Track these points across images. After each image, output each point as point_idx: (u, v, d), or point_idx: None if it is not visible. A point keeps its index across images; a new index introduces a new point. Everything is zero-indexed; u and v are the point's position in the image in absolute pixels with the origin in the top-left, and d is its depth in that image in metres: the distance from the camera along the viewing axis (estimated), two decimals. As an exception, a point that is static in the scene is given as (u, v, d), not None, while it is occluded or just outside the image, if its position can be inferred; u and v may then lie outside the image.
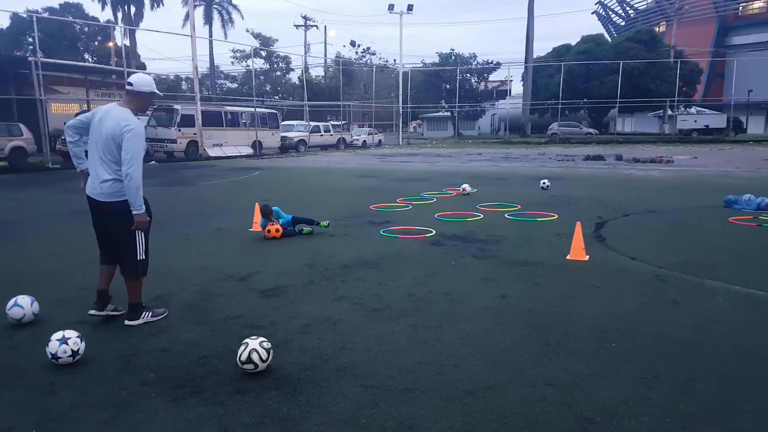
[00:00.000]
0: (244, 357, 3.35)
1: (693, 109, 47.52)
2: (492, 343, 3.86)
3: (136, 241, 4.18)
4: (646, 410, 2.94)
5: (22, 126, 21.65)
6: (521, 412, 2.94)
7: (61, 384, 3.31)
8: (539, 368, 3.46)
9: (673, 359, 3.57)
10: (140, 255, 4.21)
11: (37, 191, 13.86)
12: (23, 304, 4.27)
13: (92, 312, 4.32)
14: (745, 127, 48.08)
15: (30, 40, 39.54)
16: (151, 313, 4.32)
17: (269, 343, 3.46)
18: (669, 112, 46.13)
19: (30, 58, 21.29)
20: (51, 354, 3.49)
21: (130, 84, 4.22)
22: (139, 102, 4.26)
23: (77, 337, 3.56)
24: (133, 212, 4.05)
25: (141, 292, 4.31)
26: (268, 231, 7.56)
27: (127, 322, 4.23)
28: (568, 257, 6.24)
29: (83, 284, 5.29)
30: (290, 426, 2.83)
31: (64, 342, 3.50)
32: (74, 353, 3.52)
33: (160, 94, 4.51)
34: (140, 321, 4.24)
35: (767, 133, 50.76)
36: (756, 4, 62.82)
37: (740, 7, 64.69)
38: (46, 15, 39.77)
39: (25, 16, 34.63)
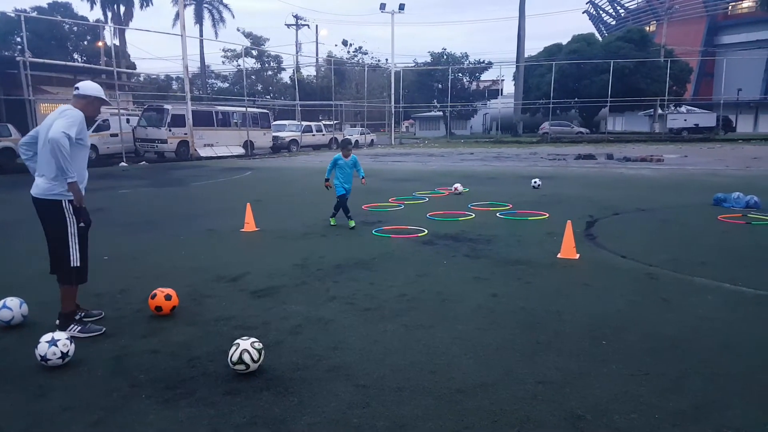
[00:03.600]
0: (235, 358, 3.34)
1: (683, 108, 47.87)
2: (483, 342, 3.87)
3: (69, 246, 4.03)
4: (636, 407, 2.96)
5: (10, 126, 21.49)
6: (512, 410, 2.95)
7: (51, 386, 3.29)
8: (530, 366, 3.47)
9: (662, 356, 3.60)
10: (74, 261, 4.05)
11: (25, 192, 13.68)
12: (12, 306, 4.24)
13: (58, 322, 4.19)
14: (734, 125, 48.46)
15: (18, 39, 39.21)
16: (80, 329, 4.08)
17: (261, 344, 3.46)
18: (659, 111, 46.41)
19: (18, 58, 21.11)
20: (40, 356, 3.47)
21: (77, 89, 4.20)
22: (84, 106, 4.15)
23: (67, 338, 3.55)
24: (68, 181, 3.88)
25: (73, 301, 4.16)
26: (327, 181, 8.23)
27: (65, 330, 4.01)
28: (558, 256, 6.26)
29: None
30: (282, 426, 2.83)
31: (54, 344, 3.47)
32: (64, 355, 3.50)
33: (108, 101, 4.46)
34: (66, 333, 3.84)
35: (756, 131, 51.15)
36: (745, 4, 63.34)
37: (730, 7, 65.19)
38: (34, 14, 39.48)
39: (13, 15, 34.32)
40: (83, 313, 4.35)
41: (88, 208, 4.18)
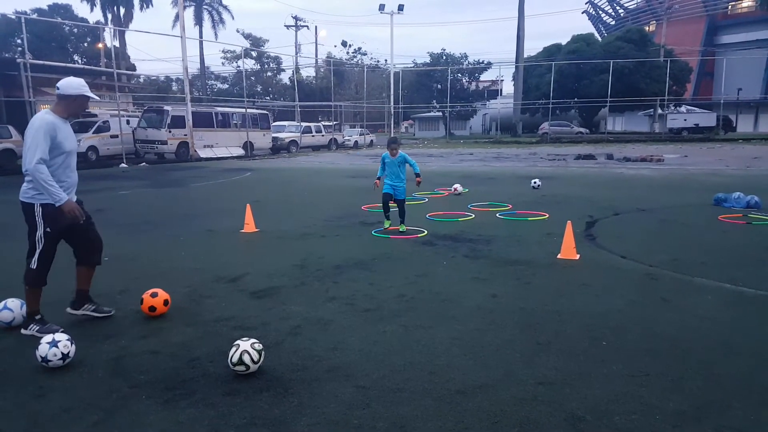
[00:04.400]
0: (235, 359, 3.34)
1: (683, 108, 47.86)
2: (483, 343, 3.87)
3: (36, 248, 4.09)
4: (637, 408, 2.95)
5: (10, 128, 21.50)
6: (512, 411, 2.94)
7: (51, 387, 3.29)
8: (530, 367, 3.47)
9: (663, 357, 3.59)
10: (33, 263, 4.11)
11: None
12: (13, 308, 4.25)
13: (68, 310, 4.40)
14: (734, 125, 48.48)
15: (18, 41, 39.24)
16: (38, 328, 4.08)
17: (260, 345, 3.45)
18: (659, 111, 46.42)
19: (18, 60, 21.12)
20: (41, 357, 3.47)
21: (58, 88, 4.13)
22: (67, 105, 4.12)
23: (67, 339, 3.55)
24: (57, 205, 3.95)
25: (35, 302, 4.17)
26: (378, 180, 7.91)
27: (21, 330, 4.15)
28: (558, 256, 6.26)
29: (72, 287, 5.24)
30: (282, 427, 2.83)
31: (54, 345, 3.47)
32: (64, 356, 3.49)
33: (94, 96, 4.37)
34: (27, 331, 4.08)
35: (757, 131, 51.15)
36: (745, 3, 63.36)
37: (729, 6, 65.20)
38: (34, 16, 39.53)
39: (13, 17, 34.34)
40: (94, 307, 4.43)
41: (88, 210, 4.19)
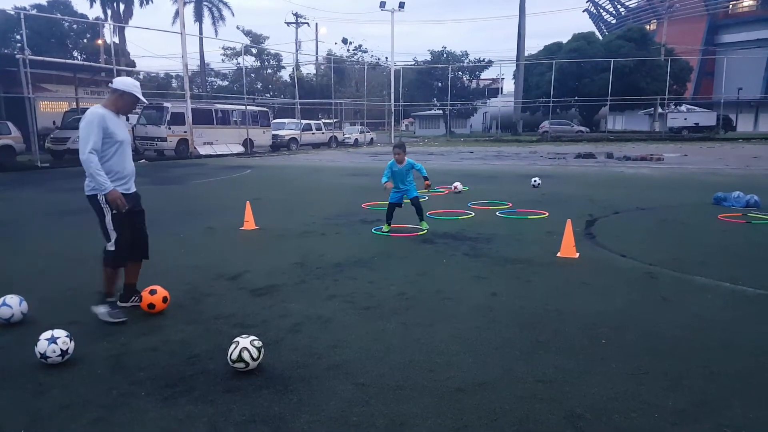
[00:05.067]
0: (234, 356, 3.34)
1: (683, 107, 47.88)
2: (483, 341, 3.87)
3: (109, 233, 4.29)
4: (636, 406, 2.96)
5: (10, 124, 21.48)
6: (512, 409, 2.95)
7: (50, 384, 3.29)
8: (529, 365, 3.47)
9: (662, 355, 3.59)
10: (110, 246, 4.31)
11: (25, 190, 13.75)
12: (12, 304, 4.23)
13: (119, 303, 4.51)
14: (734, 125, 48.47)
15: (18, 37, 39.16)
16: (108, 312, 4.29)
17: (260, 342, 3.45)
18: (659, 110, 46.42)
19: (18, 56, 21.07)
20: (40, 354, 3.46)
21: (111, 83, 4.44)
22: (115, 100, 4.36)
23: (66, 336, 3.54)
24: (102, 193, 4.19)
25: (112, 285, 4.37)
26: (385, 187, 7.56)
27: (92, 308, 4.38)
28: (558, 255, 6.26)
29: (72, 284, 5.27)
30: (281, 424, 2.83)
31: (53, 341, 3.47)
32: (63, 353, 3.49)
33: (144, 101, 4.56)
34: (100, 309, 4.31)
35: (757, 131, 51.14)
36: (746, 3, 63.33)
37: (730, 6, 65.15)
38: (34, 12, 39.34)
39: (12, 13, 34.24)
40: (139, 298, 4.52)
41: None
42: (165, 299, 4.48)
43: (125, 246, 4.38)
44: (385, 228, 7.74)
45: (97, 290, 4.64)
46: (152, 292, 4.45)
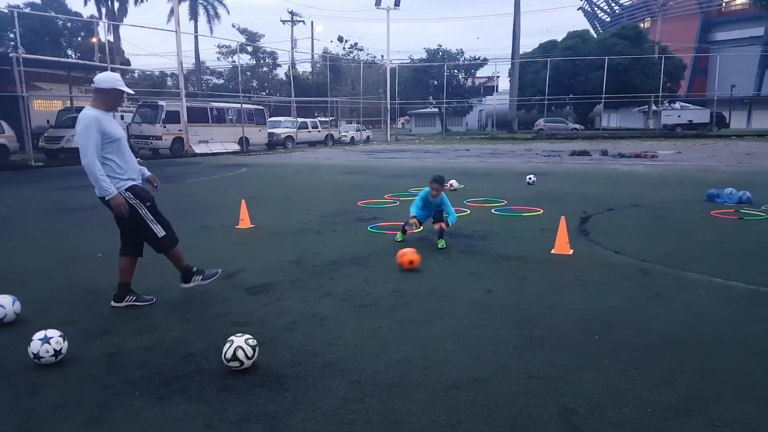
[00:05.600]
0: (229, 354, 3.34)
1: (677, 105, 47.97)
2: (477, 337, 3.88)
3: (149, 225, 4.42)
4: (629, 401, 2.97)
5: (3, 123, 21.37)
6: (506, 405, 2.96)
7: (44, 384, 3.28)
8: (524, 361, 3.49)
9: (655, 351, 3.62)
10: (159, 233, 4.47)
11: (19, 189, 13.70)
12: (5, 304, 4.21)
13: (112, 303, 4.52)
14: (728, 122, 48.62)
15: (11, 35, 38.88)
16: (201, 278, 4.77)
17: (255, 340, 3.45)
18: (653, 107, 46.51)
19: (11, 54, 20.97)
20: (33, 354, 3.45)
21: (93, 83, 4.38)
22: (102, 98, 4.31)
23: (60, 336, 3.53)
24: (106, 198, 4.21)
25: (183, 261, 4.73)
26: (410, 262, 5.67)
27: (190, 283, 4.78)
28: (552, 251, 6.28)
29: (65, 283, 5.26)
30: (276, 422, 2.83)
31: (47, 341, 3.46)
32: (57, 353, 3.48)
33: (130, 90, 4.52)
34: (198, 279, 4.78)
35: (750, 128, 51.35)
36: (738, 1, 63.48)
37: (723, 4, 65.35)
38: (27, 10, 39.09)
39: (6, 11, 34.06)
40: (134, 297, 4.57)
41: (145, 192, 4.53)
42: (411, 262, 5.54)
43: (169, 225, 4.58)
44: (399, 237, 7.05)
45: (90, 289, 4.63)
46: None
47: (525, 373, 3.33)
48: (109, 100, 4.35)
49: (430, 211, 6.92)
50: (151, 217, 4.43)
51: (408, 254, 5.65)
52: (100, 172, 4.15)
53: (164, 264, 5.97)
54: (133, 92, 4.87)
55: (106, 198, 4.20)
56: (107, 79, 4.33)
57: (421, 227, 7.07)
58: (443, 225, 6.65)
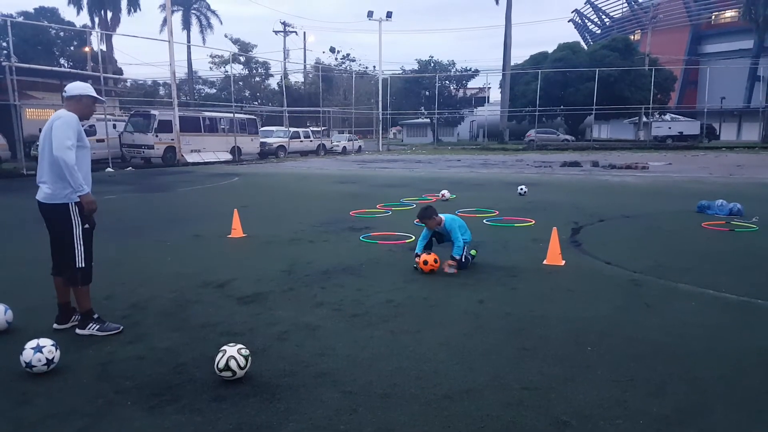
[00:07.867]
0: (221, 364, 3.33)
1: (667, 116, 48.45)
2: (470, 348, 3.89)
3: (75, 248, 4.13)
4: (621, 413, 2.99)
5: (-5, 131, 21.22)
6: (498, 416, 2.97)
7: (35, 393, 3.26)
8: (516, 372, 3.50)
9: (646, 362, 3.64)
10: (79, 263, 4.15)
11: (11, 198, 13.61)
12: (-5, 313, 4.19)
13: (55, 326, 4.30)
14: (718, 133, 49.10)
15: (4, 44, 38.76)
16: (98, 327, 4.18)
17: (247, 350, 3.45)
18: (644, 119, 46.94)
19: (4, 63, 20.90)
20: (25, 363, 3.43)
21: (65, 91, 4.26)
22: (75, 105, 4.21)
23: (52, 345, 3.51)
24: (78, 194, 4.03)
25: (87, 301, 4.22)
26: (424, 263, 5.78)
27: (77, 331, 4.21)
28: (544, 262, 6.31)
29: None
30: (268, 433, 2.82)
31: (39, 350, 3.44)
32: (49, 362, 3.46)
33: (102, 99, 4.47)
34: (85, 331, 4.16)
35: (740, 139, 51.87)
36: (728, 13, 64.26)
37: (713, 16, 66.16)
38: (20, 19, 39.01)
39: (-2, 20, 33.94)
40: (76, 315, 4.35)
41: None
42: (434, 260, 5.82)
43: (91, 259, 4.24)
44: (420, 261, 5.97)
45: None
46: (425, 263, 5.81)
47: (517, 383, 3.34)
48: (82, 107, 4.24)
49: (444, 240, 6.32)
50: (82, 242, 4.15)
51: (429, 259, 5.94)
52: (74, 164, 3.97)
53: (155, 273, 5.96)
54: (104, 100, 4.81)
55: (80, 194, 4.01)
56: (79, 86, 4.26)
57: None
58: (449, 263, 5.93)
